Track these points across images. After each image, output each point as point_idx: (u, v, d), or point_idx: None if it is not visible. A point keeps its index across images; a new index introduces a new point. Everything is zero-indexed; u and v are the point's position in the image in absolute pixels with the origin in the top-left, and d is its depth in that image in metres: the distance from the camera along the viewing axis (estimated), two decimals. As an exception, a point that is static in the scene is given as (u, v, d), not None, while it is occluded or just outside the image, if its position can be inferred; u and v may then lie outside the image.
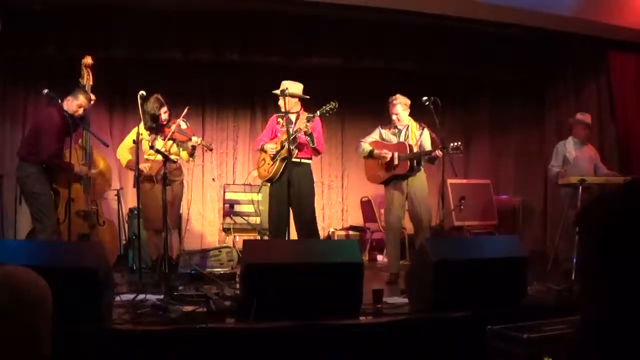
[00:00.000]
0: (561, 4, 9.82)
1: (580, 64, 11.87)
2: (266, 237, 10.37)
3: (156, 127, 8.25)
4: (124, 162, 8.53)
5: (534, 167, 12.51)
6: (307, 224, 8.51)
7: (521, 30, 10.46)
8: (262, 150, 8.55)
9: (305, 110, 8.61)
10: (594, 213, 1.60)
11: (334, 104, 8.30)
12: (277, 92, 8.43)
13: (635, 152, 10.74)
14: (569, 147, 9.62)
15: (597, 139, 10.55)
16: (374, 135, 8.88)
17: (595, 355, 1.51)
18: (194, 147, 8.38)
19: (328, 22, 10.31)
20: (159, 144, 8.15)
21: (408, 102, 8.74)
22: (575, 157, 9.53)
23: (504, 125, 13.24)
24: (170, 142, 8.27)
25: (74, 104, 7.99)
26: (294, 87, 8.54)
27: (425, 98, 8.40)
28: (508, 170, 13.13)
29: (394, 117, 8.73)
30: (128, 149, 8.37)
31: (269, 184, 8.72)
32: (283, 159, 8.31)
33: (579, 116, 9.82)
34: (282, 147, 8.31)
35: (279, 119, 8.63)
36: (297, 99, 8.58)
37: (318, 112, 8.36)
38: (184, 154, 8.37)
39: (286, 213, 8.37)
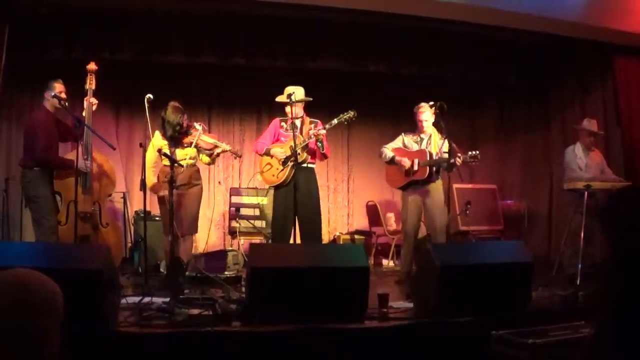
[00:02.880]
0: (567, 9, 9.82)
1: (585, 69, 11.87)
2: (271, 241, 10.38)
3: (179, 137, 8.14)
4: (149, 184, 8.06)
5: (540, 172, 12.51)
6: (314, 228, 8.54)
7: (527, 35, 10.47)
8: (268, 154, 8.51)
9: (308, 114, 8.65)
10: (628, 212, 1.58)
11: (352, 112, 8.39)
12: (283, 99, 8.41)
13: (640, 157, 10.74)
14: (579, 153, 9.61)
15: (602, 144, 10.53)
16: (397, 142, 9.04)
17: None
18: (218, 154, 8.32)
19: (333, 26, 10.32)
20: (179, 153, 8.05)
21: (434, 111, 8.82)
22: (585, 163, 9.53)
23: (509, 130, 13.26)
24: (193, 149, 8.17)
25: (54, 93, 8.01)
26: (299, 91, 8.54)
27: (431, 103, 8.51)
28: (513, 176, 13.13)
29: (424, 123, 8.85)
30: (152, 167, 8.19)
31: (271, 188, 8.71)
32: (294, 165, 8.30)
33: (585, 123, 9.81)
34: (294, 152, 8.29)
35: (283, 123, 8.63)
36: (302, 103, 8.59)
37: (336, 120, 8.40)
38: (204, 158, 8.28)
39: (292, 218, 8.29)
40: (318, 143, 8.36)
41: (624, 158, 10.81)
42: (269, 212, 10.43)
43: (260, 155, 8.72)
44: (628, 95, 10.94)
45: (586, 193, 8.80)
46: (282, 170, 8.38)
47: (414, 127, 9.04)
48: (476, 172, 12.77)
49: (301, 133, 8.52)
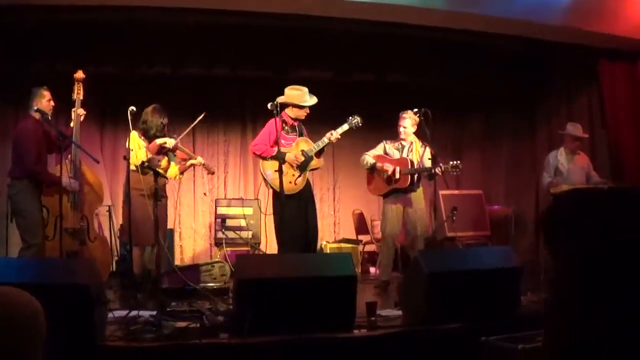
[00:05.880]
0: (551, 14, 9.82)
1: (571, 74, 11.90)
2: (258, 252, 10.35)
3: (157, 137, 8.11)
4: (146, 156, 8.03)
5: (526, 178, 12.52)
6: (317, 234, 8.74)
7: (512, 41, 10.47)
8: (279, 159, 8.19)
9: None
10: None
11: (358, 118, 8.62)
12: (295, 100, 8.56)
13: (626, 160, 10.75)
14: (561, 158, 9.65)
15: (588, 148, 10.56)
16: (378, 150, 9.10)
17: None
18: (192, 165, 8.36)
19: (318, 35, 10.30)
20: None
21: (417, 119, 8.90)
22: (567, 168, 9.56)
23: (495, 136, 13.26)
24: (164, 157, 8.18)
25: (43, 102, 8.00)
26: (309, 96, 8.65)
27: (415, 110, 8.55)
28: (500, 182, 13.13)
29: (401, 129, 8.98)
30: (141, 150, 8.12)
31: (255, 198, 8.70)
32: (310, 170, 8.50)
33: (569, 127, 9.85)
34: (308, 157, 8.41)
35: (284, 125, 8.56)
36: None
37: (346, 126, 8.58)
38: (172, 171, 8.27)
39: (304, 226, 8.42)
40: (325, 147, 8.56)
41: (610, 161, 10.83)
42: (255, 222, 10.44)
43: (263, 158, 8.49)
44: (613, 98, 10.97)
45: (572, 197, 8.80)
46: (300, 176, 8.40)
47: (396, 134, 9.09)
48: (462, 178, 12.78)
49: (301, 136, 8.65)
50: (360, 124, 8.64)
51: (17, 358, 1.90)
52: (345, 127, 8.55)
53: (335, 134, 8.43)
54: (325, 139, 8.43)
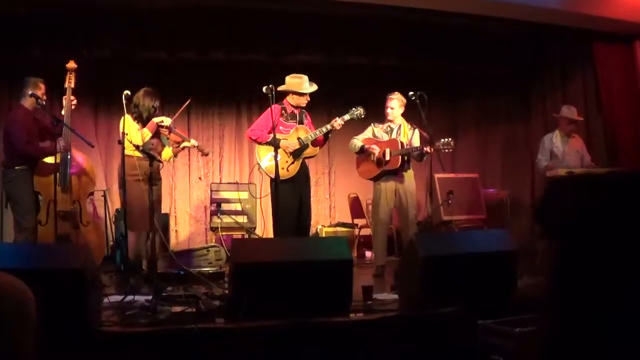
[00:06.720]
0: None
1: (566, 57, 11.89)
2: (253, 236, 10.35)
3: (147, 120, 8.07)
4: (145, 137, 7.99)
5: (522, 161, 12.51)
6: (310, 221, 8.72)
7: (507, 23, 10.45)
8: (274, 144, 8.03)
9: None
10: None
11: (361, 109, 8.55)
12: (299, 88, 8.52)
13: (622, 143, 10.76)
14: (556, 141, 9.64)
15: (584, 131, 10.56)
16: (367, 133, 9.08)
17: None
18: (184, 148, 8.34)
19: (313, 19, 10.28)
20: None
21: (405, 101, 8.90)
22: (563, 151, 9.55)
23: (490, 119, 13.26)
24: (158, 140, 8.14)
25: (37, 93, 7.99)
26: (309, 83, 8.62)
27: (411, 93, 8.49)
28: (495, 164, 13.14)
29: (388, 110, 8.97)
30: (137, 133, 8.06)
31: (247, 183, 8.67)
32: (304, 157, 8.44)
33: (564, 110, 9.84)
34: (304, 144, 8.37)
35: (283, 112, 8.53)
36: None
37: (347, 116, 8.53)
38: (166, 153, 8.23)
39: (298, 212, 8.38)
40: (329, 135, 8.56)
41: (606, 144, 10.83)
42: (250, 206, 10.42)
43: (258, 143, 8.52)
44: (609, 81, 10.97)
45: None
46: (293, 163, 8.37)
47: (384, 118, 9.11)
48: (458, 161, 12.77)
49: (301, 124, 8.60)
50: (362, 116, 8.60)
51: (6, 346, 1.86)
52: (347, 117, 8.51)
53: (339, 120, 8.43)
54: (323, 128, 8.43)
